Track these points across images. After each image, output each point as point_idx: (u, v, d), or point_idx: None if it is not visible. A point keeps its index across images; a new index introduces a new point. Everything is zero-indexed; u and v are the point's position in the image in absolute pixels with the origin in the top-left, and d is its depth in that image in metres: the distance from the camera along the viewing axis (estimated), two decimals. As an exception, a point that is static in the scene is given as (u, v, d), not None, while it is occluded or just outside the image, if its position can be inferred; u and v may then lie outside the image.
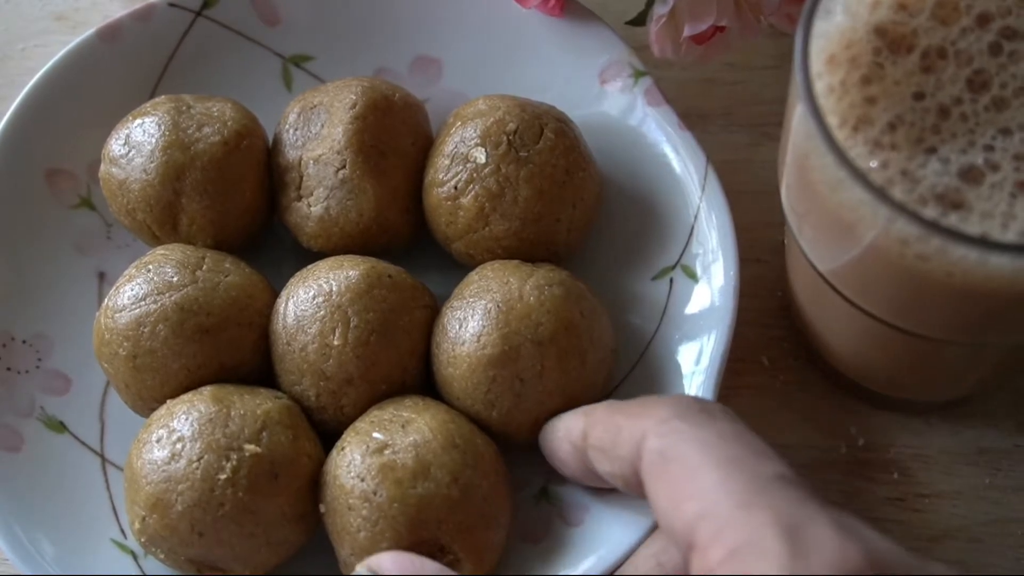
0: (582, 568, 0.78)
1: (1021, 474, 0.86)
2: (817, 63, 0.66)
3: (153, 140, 0.86)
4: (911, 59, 0.65)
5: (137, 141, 0.87)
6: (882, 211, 0.61)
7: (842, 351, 0.86)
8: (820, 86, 0.65)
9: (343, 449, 0.77)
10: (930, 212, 0.62)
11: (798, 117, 0.66)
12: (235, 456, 0.76)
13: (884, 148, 0.63)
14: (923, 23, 0.66)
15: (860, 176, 0.61)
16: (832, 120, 0.64)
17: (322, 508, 0.77)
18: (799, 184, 0.70)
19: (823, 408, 0.89)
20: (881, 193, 0.61)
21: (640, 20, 0.91)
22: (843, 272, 0.72)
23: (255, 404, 0.79)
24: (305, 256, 0.88)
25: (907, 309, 0.70)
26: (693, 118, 0.91)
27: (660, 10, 0.86)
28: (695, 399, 0.68)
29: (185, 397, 0.80)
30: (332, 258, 0.85)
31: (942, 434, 0.88)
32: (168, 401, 0.81)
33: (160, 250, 0.85)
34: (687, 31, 0.86)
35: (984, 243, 0.60)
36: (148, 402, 0.83)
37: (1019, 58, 0.65)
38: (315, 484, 0.79)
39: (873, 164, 0.63)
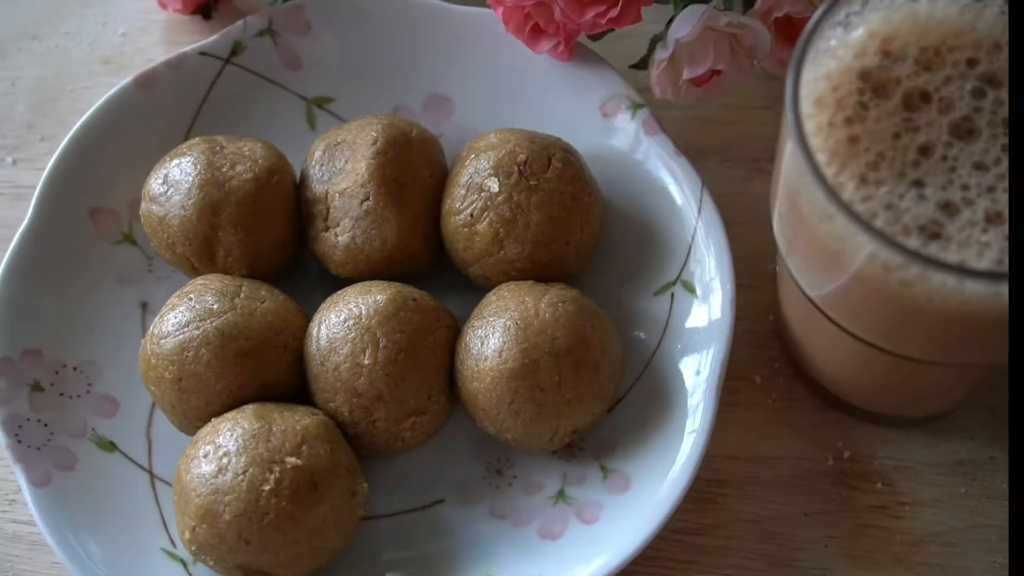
0: (597, 562, 0.82)
1: (995, 484, 0.90)
2: (806, 104, 0.69)
3: (190, 178, 0.90)
4: (893, 102, 0.68)
5: (175, 180, 0.91)
6: (867, 241, 0.64)
7: (830, 370, 0.89)
8: (809, 125, 0.68)
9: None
10: (912, 242, 0.65)
11: (789, 154, 0.69)
12: (278, 468, 0.80)
13: (869, 183, 0.66)
14: (906, 69, 0.69)
15: (846, 208, 0.64)
16: (821, 157, 0.67)
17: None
18: (790, 216, 0.73)
19: (812, 423, 0.92)
20: (866, 224, 0.64)
21: (643, 64, 0.95)
22: (831, 297, 0.75)
23: (294, 420, 0.83)
24: (332, 283, 0.92)
25: (891, 332, 0.74)
26: (692, 154, 0.94)
27: (661, 55, 0.90)
28: None
29: (229, 415, 0.84)
30: (360, 284, 0.89)
31: (922, 446, 0.91)
32: (212, 419, 0.85)
33: (200, 280, 0.89)
34: (686, 74, 0.90)
35: (961, 270, 0.63)
36: (193, 421, 0.86)
37: (997, 101, 0.68)
38: (351, 493, 0.83)
39: (858, 197, 0.66)
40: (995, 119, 0.68)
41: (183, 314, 0.86)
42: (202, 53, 0.99)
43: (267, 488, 0.80)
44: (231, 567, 0.82)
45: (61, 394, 0.91)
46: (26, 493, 0.86)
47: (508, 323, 0.85)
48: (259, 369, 0.86)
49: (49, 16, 1.14)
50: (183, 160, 0.92)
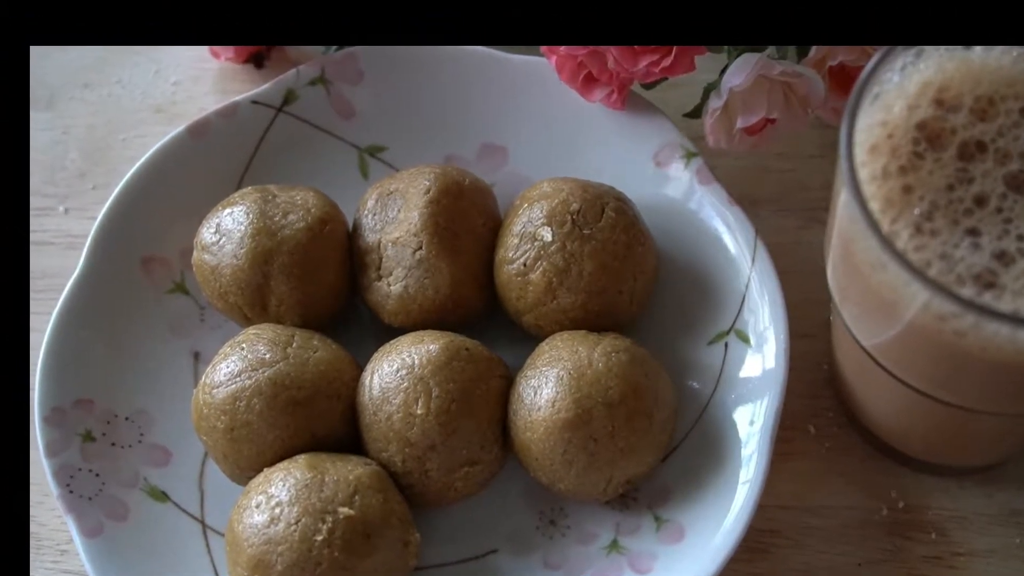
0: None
1: (1050, 535, 0.90)
2: (860, 153, 0.69)
3: (242, 227, 0.90)
4: (948, 152, 0.68)
5: (227, 229, 0.91)
6: (921, 290, 0.64)
7: (884, 419, 0.89)
8: (863, 174, 0.68)
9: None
10: (966, 291, 0.65)
11: (843, 202, 0.69)
12: (330, 519, 0.80)
13: (923, 232, 0.66)
14: (962, 119, 0.69)
15: (900, 257, 0.64)
16: (874, 205, 0.67)
17: None
18: (844, 264, 0.73)
19: (866, 472, 0.92)
20: (920, 273, 0.64)
21: (696, 113, 0.95)
22: (885, 346, 0.75)
23: (347, 470, 0.83)
24: (385, 332, 0.92)
25: (945, 381, 0.73)
26: (745, 203, 0.94)
27: (715, 103, 0.90)
28: None
29: (281, 465, 0.84)
30: (413, 333, 0.89)
31: (976, 496, 0.91)
32: (265, 469, 0.85)
33: (252, 330, 0.89)
34: (740, 123, 0.90)
35: (1016, 319, 0.63)
36: (245, 471, 0.86)
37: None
38: (403, 543, 0.82)
39: (912, 246, 0.66)
40: (1050, 170, 0.68)
41: (235, 364, 0.86)
42: (254, 102, 0.99)
43: (319, 538, 0.79)
44: (283, 617, 0.82)
45: (113, 444, 0.91)
46: (78, 543, 0.86)
47: (561, 373, 0.85)
48: (311, 419, 0.86)
49: (101, 64, 1.14)
50: (235, 209, 0.92)
